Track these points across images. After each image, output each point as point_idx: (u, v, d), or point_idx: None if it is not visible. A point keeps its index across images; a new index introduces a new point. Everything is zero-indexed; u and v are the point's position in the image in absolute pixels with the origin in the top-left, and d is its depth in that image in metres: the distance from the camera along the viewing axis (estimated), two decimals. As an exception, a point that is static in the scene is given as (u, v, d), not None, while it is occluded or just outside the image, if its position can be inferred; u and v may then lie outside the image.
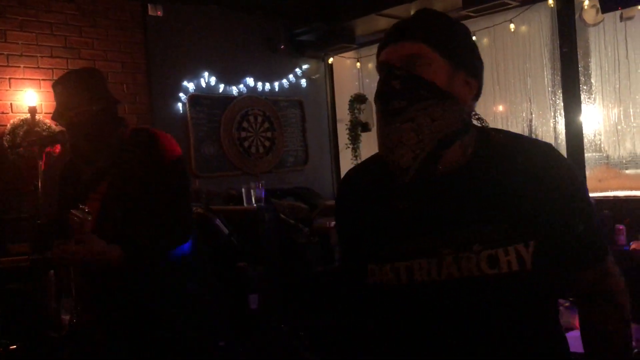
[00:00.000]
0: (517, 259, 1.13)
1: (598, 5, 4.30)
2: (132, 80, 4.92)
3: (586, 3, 4.57)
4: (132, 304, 2.01)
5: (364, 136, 6.27)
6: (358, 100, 6.29)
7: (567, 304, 2.63)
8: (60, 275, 2.67)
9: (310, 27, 5.89)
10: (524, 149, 1.22)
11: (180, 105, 5.25)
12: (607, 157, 4.93)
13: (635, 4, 4.18)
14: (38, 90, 4.33)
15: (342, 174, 2.66)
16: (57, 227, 2.15)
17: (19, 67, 4.30)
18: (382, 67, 1.23)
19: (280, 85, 6.02)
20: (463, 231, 1.16)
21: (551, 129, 5.09)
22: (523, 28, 5.12)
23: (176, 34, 5.22)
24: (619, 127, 4.86)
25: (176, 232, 2.06)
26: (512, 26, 5.05)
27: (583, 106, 4.71)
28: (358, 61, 6.58)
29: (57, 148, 3.94)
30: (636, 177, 4.73)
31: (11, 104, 4.25)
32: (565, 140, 4.68)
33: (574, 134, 4.58)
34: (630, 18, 4.53)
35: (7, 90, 4.24)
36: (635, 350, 2.34)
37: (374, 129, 2.45)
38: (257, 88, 5.79)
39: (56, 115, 2.06)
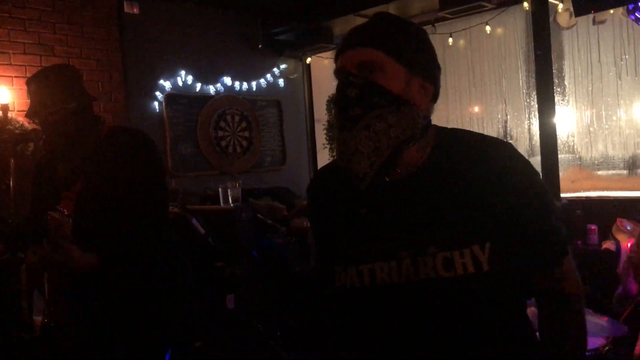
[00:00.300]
0: (472, 260, 1.14)
1: (572, 9, 4.37)
2: (108, 78, 4.85)
3: (560, 6, 4.64)
4: (108, 304, 1.98)
5: (342, 136, 6.26)
6: (336, 100, 6.29)
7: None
8: (33, 276, 2.63)
9: (289, 26, 5.88)
10: (482, 149, 1.23)
11: (156, 104, 5.20)
12: (580, 158, 5.02)
13: (608, 8, 4.26)
14: (10, 87, 4.24)
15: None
16: (33, 228, 2.11)
17: (-9, 63, 4.22)
18: (339, 73, 1.23)
19: (258, 85, 6.00)
20: (420, 234, 1.17)
21: (526, 130, 5.16)
22: (499, 30, 5.19)
23: (153, 31, 5.16)
24: (591, 129, 4.95)
25: (153, 233, 2.04)
26: (488, 28, 5.10)
27: (557, 108, 4.78)
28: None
29: (30, 146, 3.87)
30: (607, 178, 4.83)
31: (-18, 101, 4.16)
32: (540, 141, 4.76)
33: (548, 135, 4.66)
34: (602, 22, 4.62)
35: (-22, 87, 4.15)
36: (607, 348, 2.38)
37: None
38: (234, 87, 5.76)
39: (30, 113, 2.02)
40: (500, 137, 5.23)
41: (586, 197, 4.61)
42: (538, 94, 4.73)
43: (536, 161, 4.73)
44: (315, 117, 6.57)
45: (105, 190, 1.98)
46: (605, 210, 4.25)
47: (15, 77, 4.28)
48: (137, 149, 2.03)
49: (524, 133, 5.16)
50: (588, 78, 4.92)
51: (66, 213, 1.86)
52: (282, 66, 6.24)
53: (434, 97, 1.26)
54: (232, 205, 3.94)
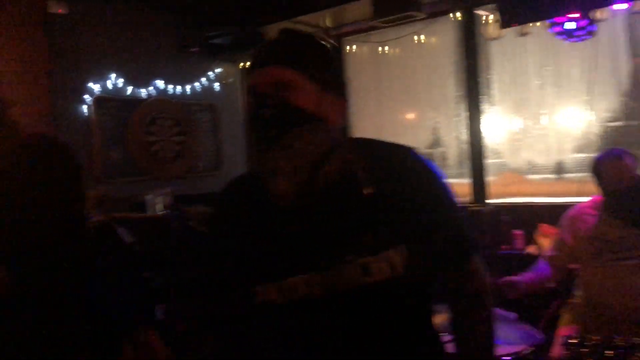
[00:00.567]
0: (388, 264, 1.17)
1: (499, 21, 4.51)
2: (33, 80, 4.63)
3: (490, 17, 4.79)
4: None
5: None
6: (272, 105, 6.26)
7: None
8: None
9: (224, 30, 5.80)
10: (391, 157, 1.28)
11: (85, 107, 5.02)
12: (507, 164, 5.19)
13: (530, 22, 4.43)
14: None
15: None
16: None
17: None
18: (252, 92, 1.23)
19: (193, 89, 5.89)
20: (339, 243, 1.19)
21: (455, 137, 5.29)
22: (430, 40, 5.30)
23: (81, 32, 4.99)
24: (517, 138, 5.13)
25: (72, 243, 1.97)
26: (420, 37, 5.21)
27: (485, 116, 4.94)
28: (272, 66, 6.55)
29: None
30: (538, 182, 5.00)
31: None
32: (468, 147, 4.89)
33: (476, 143, 4.81)
34: (525, 34, 4.80)
35: None
36: (527, 351, 2.46)
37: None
38: (167, 90, 5.63)
39: None
40: (431, 143, 5.39)
41: (512, 203, 4.78)
42: (466, 103, 4.87)
43: (466, 167, 4.89)
44: (252, 122, 6.51)
45: (18, 199, 1.89)
46: (531, 215, 4.41)
47: None
48: (52, 156, 1.95)
49: (454, 140, 5.28)
50: (515, 89, 5.09)
51: None
52: (217, 70, 6.16)
53: (346, 111, 1.29)
54: (160, 213, 3.86)
